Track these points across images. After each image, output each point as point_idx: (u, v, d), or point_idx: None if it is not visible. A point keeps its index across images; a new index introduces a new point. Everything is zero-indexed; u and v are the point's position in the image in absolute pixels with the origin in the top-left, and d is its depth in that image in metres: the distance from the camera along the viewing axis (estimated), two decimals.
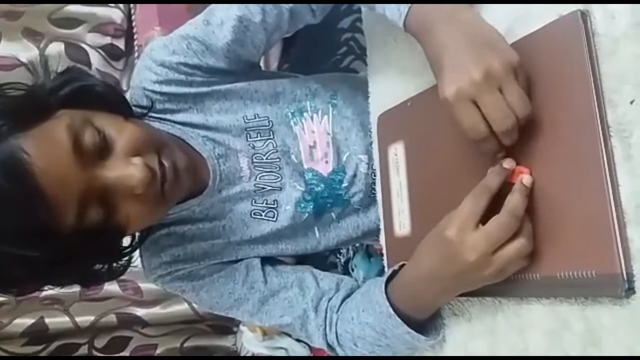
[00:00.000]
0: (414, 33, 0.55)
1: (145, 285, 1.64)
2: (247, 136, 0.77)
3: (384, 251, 0.74)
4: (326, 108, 0.82)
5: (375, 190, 0.80)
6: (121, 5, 1.76)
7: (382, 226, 0.74)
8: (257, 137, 0.77)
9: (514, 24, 0.55)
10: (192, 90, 0.73)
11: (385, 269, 0.73)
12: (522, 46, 0.52)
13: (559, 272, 0.46)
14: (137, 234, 0.72)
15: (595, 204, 0.44)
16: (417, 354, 0.68)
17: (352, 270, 1.47)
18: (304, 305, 0.73)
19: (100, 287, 1.63)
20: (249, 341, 1.68)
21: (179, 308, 1.65)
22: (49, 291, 1.68)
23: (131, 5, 1.79)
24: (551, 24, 0.49)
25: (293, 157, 0.79)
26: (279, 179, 0.77)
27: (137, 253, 0.74)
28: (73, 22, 1.71)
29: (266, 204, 0.76)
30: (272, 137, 0.77)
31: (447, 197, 0.61)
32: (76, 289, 1.62)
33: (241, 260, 0.77)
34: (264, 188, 0.76)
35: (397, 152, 0.71)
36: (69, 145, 0.55)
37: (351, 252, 1.52)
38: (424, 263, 0.56)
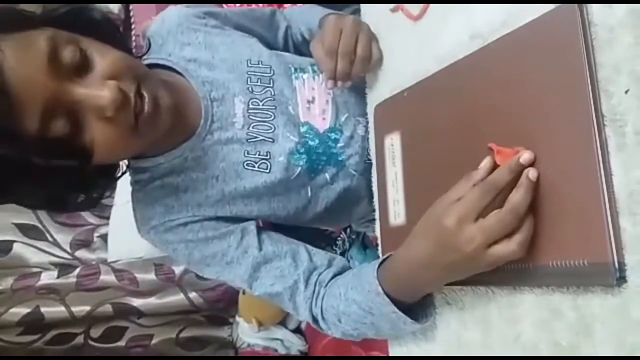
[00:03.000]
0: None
1: (141, 276, 1.64)
2: (247, 79, 0.78)
3: (379, 240, 0.74)
4: None
5: (371, 157, 0.80)
6: None
7: (377, 216, 0.75)
8: (257, 82, 0.79)
9: (509, 16, 0.55)
10: (206, 28, 0.81)
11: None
12: (519, 36, 0.52)
13: (552, 261, 0.46)
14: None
15: (588, 193, 0.44)
16: (402, 339, 0.68)
17: (348, 261, 1.47)
18: (295, 277, 0.73)
19: (96, 277, 1.63)
20: (244, 332, 1.68)
21: (175, 298, 1.65)
22: (44, 281, 1.68)
23: None
24: (548, 13, 0.49)
25: (290, 108, 0.80)
26: (272, 129, 0.78)
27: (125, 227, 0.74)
28: None
29: (259, 155, 0.77)
30: (271, 85, 0.80)
31: (442, 188, 0.61)
32: (72, 278, 1.62)
33: (236, 219, 0.76)
34: (256, 137, 0.77)
35: (394, 143, 0.71)
36: (45, 54, 0.54)
37: (347, 244, 1.52)
38: (418, 248, 0.56)
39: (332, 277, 0.73)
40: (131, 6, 1.79)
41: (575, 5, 0.46)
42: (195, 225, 0.74)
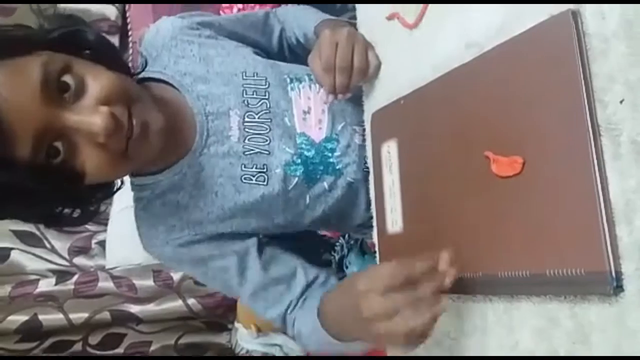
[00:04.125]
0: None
1: (140, 282, 1.64)
2: (243, 92, 0.79)
3: (377, 248, 0.74)
4: None
5: (368, 165, 0.81)
6: None
7: (374, 224, 0.75)
8: (252, 94, 0.79)
9: (505, 24, 0.55)
10: (200, 39, 0.81)
11: None
12: (513, 46, 0.52)
13: (549, 269, 0.47)
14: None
15: (584, 203, 0.44)
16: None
17: (346, 267, 1.47)
18: (285, 306, 0.78)
19: (95, 284, 1.63)
20: (243, 338, 1.68)
21: (173, 305, 1.64)
22: (42, 288, 1.67)
23: None
24: (542, 23, 0.49)
25: (286, 119, 0.80)
26: (268, 141, 0.78)
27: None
28: None
29: (256, 168, 0.77)
30: (267, 97, 0.80)
31: (438, 195, 0.62)
32: (70, 285, 1.62)
33: (237, 235, 0.78)
34: (252, 150, 0.77)
35: (390, 150, 0.71)
36: (38, 81, 0.55)
37: (346, 250, 1.52)
38: (336, 300, 0.63)
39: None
40: (128, 12, 1.79)
41: (570, 15, 0.46)
42: (198, 245, 0.76)
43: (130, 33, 1.78)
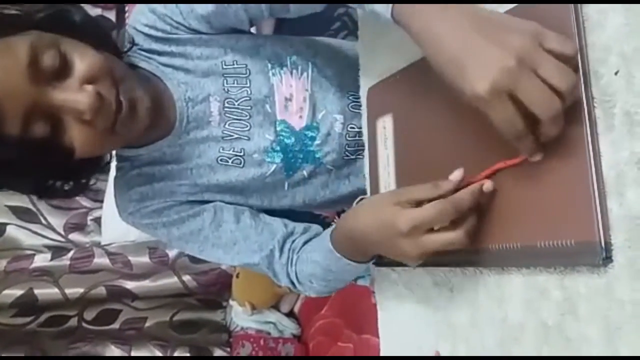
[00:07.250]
0: (406, 23, 0.51)
1: (135, 259, 1.64)
2: (223, 81, 0.78)
3: None
4: (306, 66, 0.82)
5: (348, 153, 0.83)
6: None
7: None
8: (233, 83, 0.79)
9: None
10: (175, 37, 0.77)
11: None
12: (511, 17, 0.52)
13: (539, 241, 0.47)
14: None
15: (576, 174, 0.44)
16: (392, 320, 0.68)
17: None
18: (271, 246, 0.77)
19: (90, 260, 1.63)
20: (238, 315, 1.69)
21: (169, 281, 1.65)
22: (38, 263, 1.67)
23: None
24: None
25: (267, 106, 0.80)
26: (247, 127, 0.79)
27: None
28: None
29: (233, 151, 0.78)
30: (248, 85, 0.79)
31: (434, 171, 0.61)
32: (66, 261, 1.62)
33: (209, 202, 0.79)
34: (231, 135, 0.78)
35: (386, 125, 0.71)
36: (25, 61, 0.56)
37: None
38: (361, 224, 0.60)
39: (305, 243, 0.77)
40: None
41: None
42: (169, 210, 0.78)
43: (126, 8, 1.76)
